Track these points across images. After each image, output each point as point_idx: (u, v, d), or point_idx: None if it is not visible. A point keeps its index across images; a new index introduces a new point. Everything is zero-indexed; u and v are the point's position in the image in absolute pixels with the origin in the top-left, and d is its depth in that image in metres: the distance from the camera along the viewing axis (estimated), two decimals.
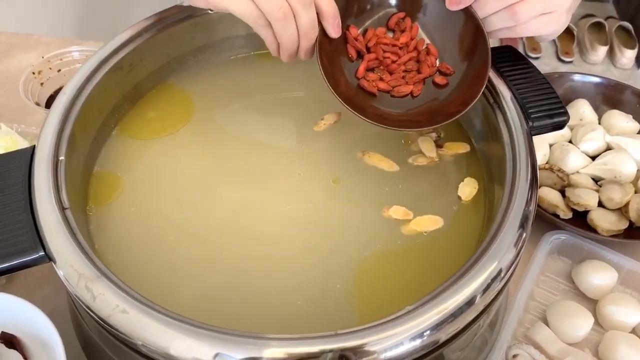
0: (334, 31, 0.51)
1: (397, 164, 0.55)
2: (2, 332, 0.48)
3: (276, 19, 0.47)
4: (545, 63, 1.99)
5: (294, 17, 0.48)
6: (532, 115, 0.50)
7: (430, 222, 0.50)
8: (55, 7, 1.28)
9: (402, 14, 0.55)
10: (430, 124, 0.51)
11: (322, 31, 0.51)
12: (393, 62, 0.53)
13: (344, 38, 0.53)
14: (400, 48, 0.54)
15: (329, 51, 0.51)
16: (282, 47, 0.50)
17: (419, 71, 0.53)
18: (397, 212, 0.51)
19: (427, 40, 0.55)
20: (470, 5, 0.51)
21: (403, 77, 0.53)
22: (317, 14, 0.49)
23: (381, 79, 0.53)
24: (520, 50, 2.00)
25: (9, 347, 0.48)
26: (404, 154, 0.56)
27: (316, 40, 0.50)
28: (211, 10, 0.57)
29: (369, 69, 0.53)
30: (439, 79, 0.53)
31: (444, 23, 0.54)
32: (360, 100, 0.51)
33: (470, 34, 0.52)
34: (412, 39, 0.54)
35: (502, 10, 0.50)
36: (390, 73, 0.53)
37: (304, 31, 0.49)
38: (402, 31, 0.54)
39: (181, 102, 0.60)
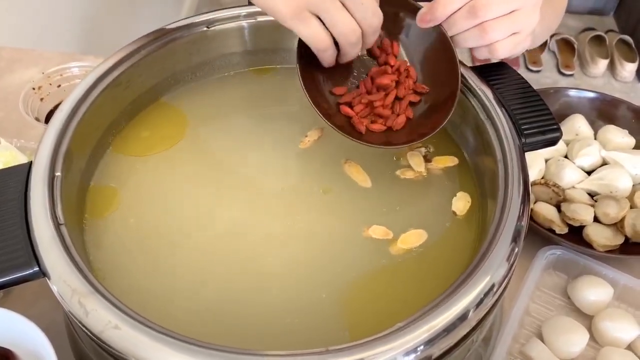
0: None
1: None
2: None
3: (349, 43, 0.49)
4: (546, 76, 2.00)
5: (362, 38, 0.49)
6: (525, 132, 0.51)
7: (414, 238, 0.50)
8: (57, 22, 1.30)
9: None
10: (407, 142, 0.53)
11: (303, 67, 0.51)
12: (380, 105, 0.54)
13: None
14: (384, 88, 0.54)
15: (313, 89, 0.52)
16: (341, 57, 0.51)
17: (397, 96, 0.54)
18: (376, 231, 0.50)
19: (409, 62, 0.56)
20: (441, 24, 0.52)
21: (392, 112, 0.54)
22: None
23: (373, 122, 0.54)
24: (521, 63, 2.02)
25: None
26: (394, 168, 0.56)
27: (299, 77, 0.51)
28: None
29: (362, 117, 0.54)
30: (412, 97, 0.54)
31: (420, 43, 0.55)
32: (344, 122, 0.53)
33: (442, 52, 0.53)
34: (394, 56, 0.55)
35: (473, 29, 0.51)
36: (380, 116, 0.54)
37: (364, 49, 0.52)
38: (387, 54, 0.55)
39: (175, 119, 0.61)
